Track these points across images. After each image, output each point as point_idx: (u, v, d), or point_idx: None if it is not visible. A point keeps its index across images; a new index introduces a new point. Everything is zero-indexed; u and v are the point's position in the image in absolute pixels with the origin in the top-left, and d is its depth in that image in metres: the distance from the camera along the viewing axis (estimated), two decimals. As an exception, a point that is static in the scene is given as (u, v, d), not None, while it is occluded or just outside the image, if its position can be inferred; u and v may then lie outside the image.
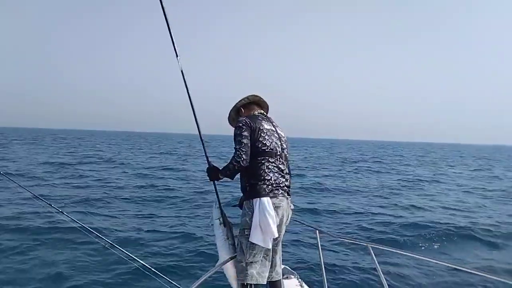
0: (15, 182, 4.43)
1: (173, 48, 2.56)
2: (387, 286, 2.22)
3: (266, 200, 2.32)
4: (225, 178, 2.50)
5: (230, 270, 2.52)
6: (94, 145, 47.03)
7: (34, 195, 4.34)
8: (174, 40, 2.52)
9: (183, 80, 2.57)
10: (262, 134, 2.44)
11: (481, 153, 79.29)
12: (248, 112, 2.66)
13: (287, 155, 2.59)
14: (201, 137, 2.67)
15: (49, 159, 23.58)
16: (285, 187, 2.47)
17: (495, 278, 1.75)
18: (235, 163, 2.35)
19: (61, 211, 4.01)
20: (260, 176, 2.37)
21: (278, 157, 2.47)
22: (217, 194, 2.70)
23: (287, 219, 2.54)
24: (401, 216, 10.42)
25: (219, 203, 2.68)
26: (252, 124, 2.45)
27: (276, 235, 2.35)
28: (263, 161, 2.40)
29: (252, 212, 2.34)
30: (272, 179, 2.39)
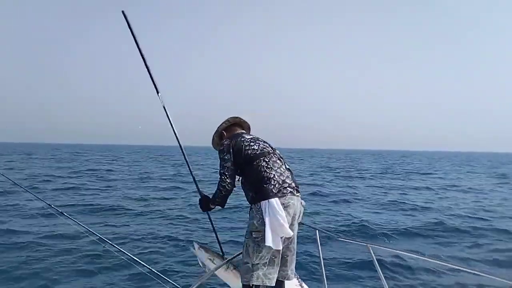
0: (14, 182, 4.43)
1: (153, 85, 2.58)
2: (387, 286, 2.22)
3: (275, 201, 2.28)
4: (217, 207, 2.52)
5: (232, 279, 2.51)
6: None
7: (35, 195, 4.35)
8: (153, 76, 2.54)
9: (166, 116, 2.63)
10: (245, 143, 2.48)
11: None
12: (230, 134, 2.68)
13: (280, 153, 2.59)
14: (190, 169, 2.74)
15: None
16: (293, 183, 2.43)
17: (495, 278, 1.76)
18: (221, 188, 2.39)
19: (61, 212, 4.00)
20: (264, 178, 2.35)
21: (272, 154, 2.49)
22: (212, 225, 2.75)
23: (299, 216, 2.49)
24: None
25: (216, 235, 2.73)
26: (232, 142, 2.49)
27: (291, 234, 2.32)
28: (259, 163, 2.41)
29: (261, 215, 2.30)
30: (276, 176, 2.36)
